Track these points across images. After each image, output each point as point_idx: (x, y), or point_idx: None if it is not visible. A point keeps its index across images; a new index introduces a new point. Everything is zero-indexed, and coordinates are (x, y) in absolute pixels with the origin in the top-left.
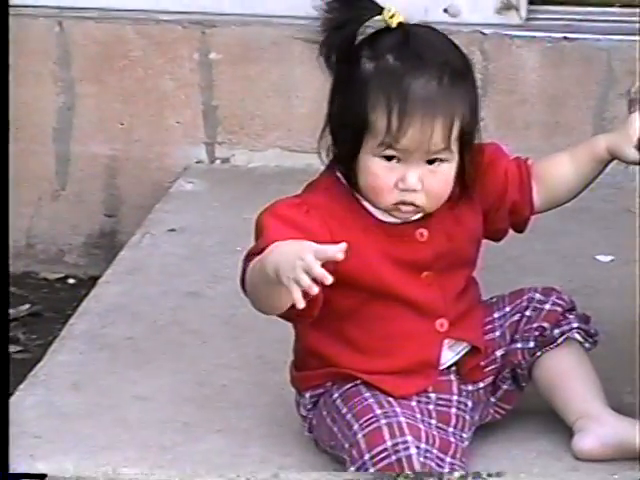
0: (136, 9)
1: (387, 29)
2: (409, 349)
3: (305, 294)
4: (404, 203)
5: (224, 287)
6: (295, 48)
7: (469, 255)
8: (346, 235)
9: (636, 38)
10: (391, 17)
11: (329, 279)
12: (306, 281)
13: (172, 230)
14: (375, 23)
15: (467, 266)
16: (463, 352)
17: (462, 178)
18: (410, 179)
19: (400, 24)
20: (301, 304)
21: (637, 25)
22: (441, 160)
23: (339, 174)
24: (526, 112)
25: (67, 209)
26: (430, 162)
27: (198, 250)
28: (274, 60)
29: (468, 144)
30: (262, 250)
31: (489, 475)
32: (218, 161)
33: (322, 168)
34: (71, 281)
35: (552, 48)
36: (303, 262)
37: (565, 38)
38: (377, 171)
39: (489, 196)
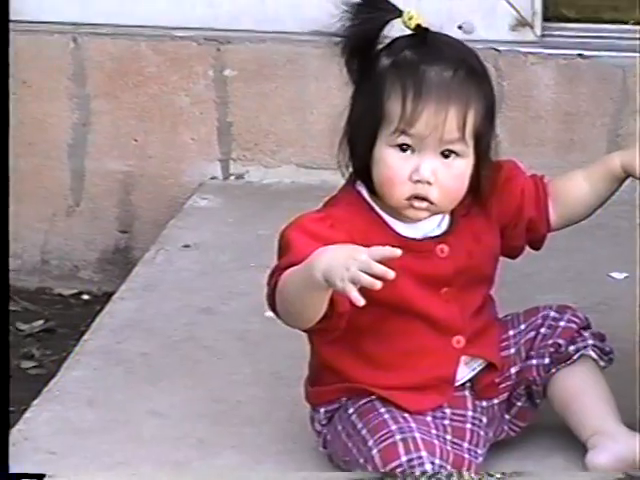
0: (151, 25)
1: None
2: (426, 365)
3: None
4: (417, 197)
5: (238, 303)
6: (310, 64)
7: (487, 272)
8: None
9: None
10: (410, 19)
11: (391, 274)
12: (367, 278)
13: (186, 246)
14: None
15: (485, 283)
16: (479, 368)
17: (477, 184)
18: (424, 170)
19: (419, 26)
20: (361, 302)
21: None
22: (456, 154)
23: (359, 188)
24: (541, 129)
25: (82, 225)
26: (445, 156)
27: (212, 266)
28: (289, 77)
29: (483, 147)
30: (291, 264)
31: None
32: (232, 177)
33: (337, 185)
34: (85, 297)
35: (567, 65)
36: (359, 262)
37: (580, 55)
38: (391, 162)
39: (506, 213)
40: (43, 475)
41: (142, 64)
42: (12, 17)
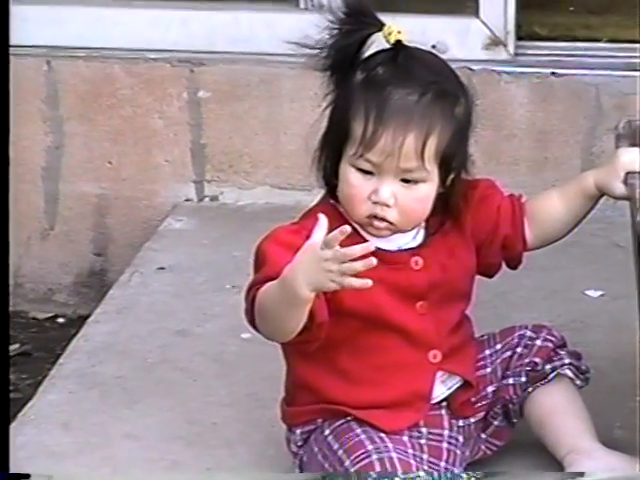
0: (124, 48)
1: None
2: (402, 380)
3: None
4: (376, 217)
5: (213, 325)
6: (283, 85)
7: (463, 288)
8: None
9: (623, 73)
10: (389, 34)
11: (373, 261)
12: (353, 266)
13: (161, 268)
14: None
15: (461, 300)
16: (455, 387)
17: (447, 204)
18: (383, 192)
19: (398, 42)
20: (369, 283)
21: (624, 60)
22: (416, 181)
23: (333, 201)
24: (514, 147)
25: (56, 248)
26: (406, 181)
27: (187, 288)
28: (262, 97)
29: (452, 168)
30: (267, 278)
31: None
32: (207, 199)
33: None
34: (60, 320)
35: (540, 83)
36: (331, 260)
37: (553, 74)
38: (353, 181)
39: (481, 230)
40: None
41: (115, 86)
42: None
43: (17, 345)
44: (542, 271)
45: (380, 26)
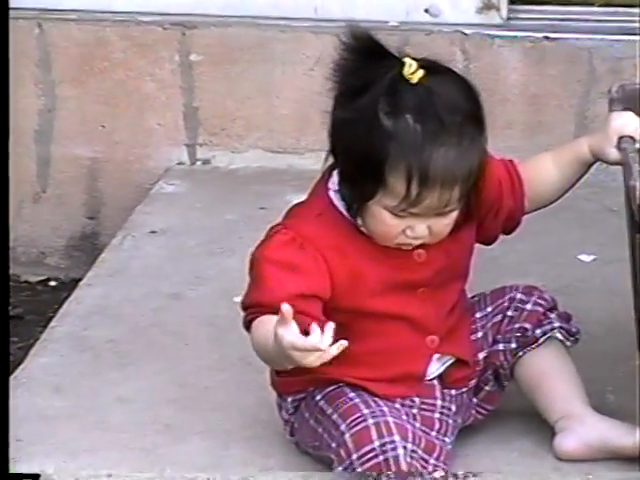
0: (116, 11)
1: (405, 82)
2: (397, 362)
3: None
4: (407, 244)
5: (206, 288)
6: (276, 48)
7: (464, 268)
8: (344, 263)
9: (617, 37)
10: (412, 73)
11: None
12: (327, 355)
13: (153, 232)
14: None
15: (461, 279)
16: (449, 362)
17: (467, 207)
18: (419, 230)
19: (420, 79)
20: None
21: (618, 24)
22: (451, 210)
23: (332, 195)
24: (508, 112)
25: (48, 211)
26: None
27: (179, 252)
28: (255, 61)
29: (476, 186)
30: (261, 304)
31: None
32: (199, 162)
33: (304, 169)
34: (52, 283)
35: (533, 48)
36: (297, 353)
37: (546, 38)
38: (386, 220)
39: (484, 205)
40: (39, 475)
41: (108, 49)
42: None
43: (9, 308)
44: (535, 236)
45: (399, 64)
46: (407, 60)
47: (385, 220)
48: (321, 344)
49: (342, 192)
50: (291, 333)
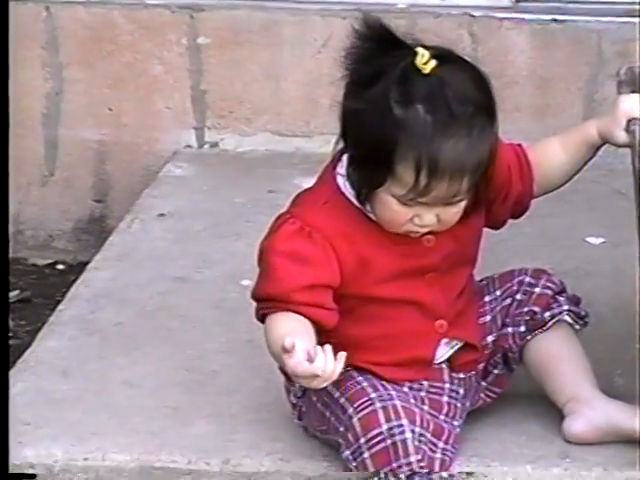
0: None
1: (417, 72)
2: (406, 347)
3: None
4: (415, 232)
5: (213, 272)
6: (284, 31)
7: (472, 253)
8: (353, 251)
9: (625, 19)
10: (424, 63)
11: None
12: (333, 376)
13: (161, 215)
14: None
15: (469, 264)
16: (457, 346)
17: (477, 195)
18: (427, 219)
19: (433, 69)
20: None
21: (626, 7)
22: (460, 200)
23: (339, 182)
24: (516, 94)
25: (56, 194)
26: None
27: (187, 235)
28: (263, 44)
29: (486, 175)
30: (270, 297)
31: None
32: (207, 145)
33: (311, 153)
34: (60, 267)
35: (541, 30)
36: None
37: (554, 20)
38: (394, 208)
39: (492, 191)
40: (35, 475)
41: (115, 32)
42: None
43: (17, 291)
44: (543, 218)
45: (411, 54)
46: (420, 50)
47: (393, 208)
48: (324, 370)
49: (351, 177)
50: (296, 364)
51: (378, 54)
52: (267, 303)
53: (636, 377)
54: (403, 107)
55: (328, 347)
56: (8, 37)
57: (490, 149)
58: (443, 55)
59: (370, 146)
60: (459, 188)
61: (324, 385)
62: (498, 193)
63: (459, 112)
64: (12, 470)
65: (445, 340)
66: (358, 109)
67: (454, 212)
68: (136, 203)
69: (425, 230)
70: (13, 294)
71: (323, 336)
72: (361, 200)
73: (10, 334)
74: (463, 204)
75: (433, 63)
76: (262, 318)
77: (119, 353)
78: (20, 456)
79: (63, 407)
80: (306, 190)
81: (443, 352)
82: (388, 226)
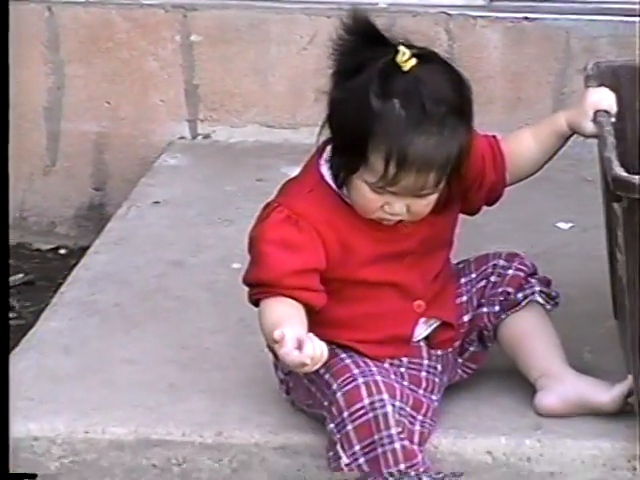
0: None
1: (398, 69)
2: (386, 325)
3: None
4: (387, 220)
5: (206, 256)
6: (271, 29)
7: (448, 237)
8: (336, 235)
9: (592, 17)
10: (404, 61)
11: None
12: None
13: (157, 202)
14: None
15: (445, 247)
16: (435, 325)
17: (449, 191)
18: (397, 208)
19: (411, 67)
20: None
21: (593, 5)
22: (429, 193)
23: (323, 171)
24: (489, 88)
25: (58, 183)
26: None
27: (181, 221)
28: (251, 41)
29: (457, 172)
30: (262, 282)
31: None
32: (200, 137)
33: (298, 143)
34: (62, 251)
35: (513, 28)
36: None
37: (526, 18)
38: (366, 195)
39: (468, 178)
40: (35, 475)
41: (113, 31)
42: None
43: (21, 275)
44: (516, 205)
45: (393, 51)
46: (401, 48)
47: (365, 194)
48: (312, 359)
49: (332, 162)
50: (286, 353)
51: (362, 48)
52: (260, 288)
53: (610, 354)
54: (380, 100)
55: (311, 335)
56: (8, 36)
57: (460, 148)
58: (424, 55)
59: (348, 133)
60: (426, 182)
61: (312, 370)
62: (473, 182)
63: (432, 111)
64: (16, 445)
65: (423, 319)
66: (340, 98)
67: (424, 204)
68: (133, 191)
69: (396, 219)
70: (18, 277)
71: (312, 316)
72: (339, 184)
73: (15, 315)
74: (433, 197)
75: (413, 62)
76: (255, 302)
77: (118, 332)
78: (24, 430)
79: (65, 383)
80: (292, 179)
81: (421, 330)
82: (361, 211)
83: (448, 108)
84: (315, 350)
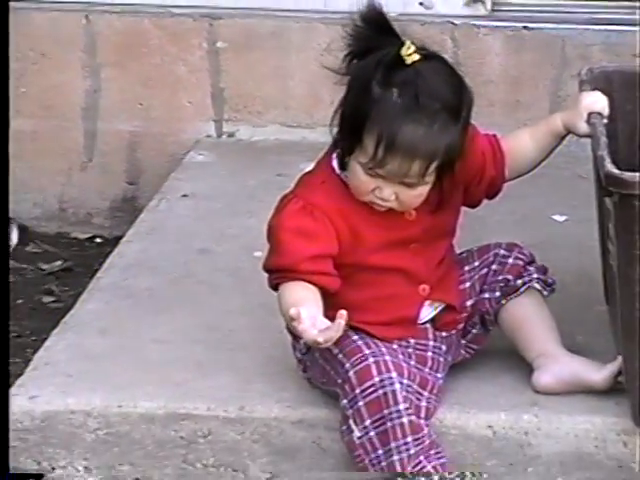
0: (153, 4)
1: (401, 61)
2: (394, 308)
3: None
4: (378, 205)
5: (230, 244)
6: (291, 37)
7: (451, 226)
8: (347, 224)
9: (586, 27)
10: (408, 55)
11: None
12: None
13: (185, 195)
14: None
15: (448, 236)
16: (440, 308)
17: (441, 191)
18: (385, 193)
19: (414, 62)
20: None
21: (587, 16)
22: (416, 185)
23: (334, 165)
24: (491, 92)
25: (94, 178)
26: (407, 184)
27: (207, 213)
28: (273, 48)
29: (448, 169)
30: (281, 267)
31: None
32: (225, 135)
33: (315, 141)
34: (98, 240)
35: (513, 36)
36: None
37: (525, 27)
38: (360, 176)
39: (469, 173)
40: (42, 475)
41: (145, 38)
42: None
43: (60, 261)
44: (514, 199)
45: (399, 44)
46: (407, 42)
47: (359, 176)
48: (325, 338)
49: (336, 144)
50: (304, 330)
51: (373, 35)
52: (278, 274)
53: (600, 336)
54: (381, 88)
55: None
56: (8, 36)
57: (449, 147)
58: (430, 55)
59: (349, 114)
60: (409, 168)
61: (327, 346)
62: (474, 176)
63: (425, 103)
64: (55, 417)
65: (428, 302)
66: (348, 84)
67: (413, 195)
68: (163, 185)
69: (386, 204)
70: (57, 264)
71: (327, 300)
72: (341, 167)
73: (54, 299)
74: (422, 189)
75: (416, 57)
76: (275, 287)
77: (149, 314)
78: (63, 404)
79: (100, 361)
80: (307, 173)
81: (427, 313)
82: (356, 193)
83: (442, 105)
84: (329, 331)
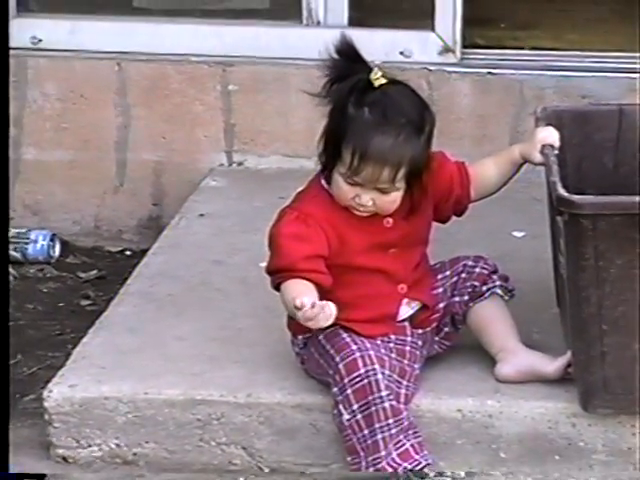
0: (175, 53)
1: (372, 86)
2: (377, 305)
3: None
4: (358, 210)
5: (240, 257)
6: (291, 81)
7: (424, 235)
8: (335, 230)
9: (541, 72)
10: (376, 79)
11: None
12: (325, 318)
13: (202, 215)
14: None
15: (422, 244)
16: (416, 308)
17: (411, 198)
18: (363, 199)
19: (381, 85)
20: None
21: (542, 63)
22: (389, 191)
23: (323, 181)
24: (461, 127)
25: (124, 200)
26: (381, 191)
27: (221, 230)
28: (276, 90)
29: (416, 178)
30: (283, 269)
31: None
32: (235, 164)
33: (312, 169)
34: (128, 253)
35: (480, 80)
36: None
37: (489, 73)
38: (341, 186)
39: (438, 191)
40: (44, 475)
41: (168, 81)
42: (74, 48)
43: (95, 271)
44: (480, 217)
45: (368, 70)
46: (375, 69)
47: (340, 185)
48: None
49: (320, 159)
50: (304, 314)
51: (346, 64)
52: (279, 274)
53: (554, 335)
54: (354, 108)
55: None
56: (8, 47)
57: (413, 157)
58: (396, 81)
59: (330, 133)
60: (380, 175)
61: (326, 325)
62: (442, 194)
63: (392, 118)
64: (90, 403)
65: (406, 300)
66: (330, 109)
67: (388, 201)
68: (183, 206)
69: (366, 209)
70: (93, 273)
71: (321, 298)
72: (328, 181)
73: (90, 302)
74: (395, 195)
75: (383, 80)
76: (277, 287)
77: (171, 316)
78: (97, 391)
79: (129, 355)
80: (300, 190)
81: (405, 311)
82: (338, 200)
83: (407, 120)
84: (325, 310)
